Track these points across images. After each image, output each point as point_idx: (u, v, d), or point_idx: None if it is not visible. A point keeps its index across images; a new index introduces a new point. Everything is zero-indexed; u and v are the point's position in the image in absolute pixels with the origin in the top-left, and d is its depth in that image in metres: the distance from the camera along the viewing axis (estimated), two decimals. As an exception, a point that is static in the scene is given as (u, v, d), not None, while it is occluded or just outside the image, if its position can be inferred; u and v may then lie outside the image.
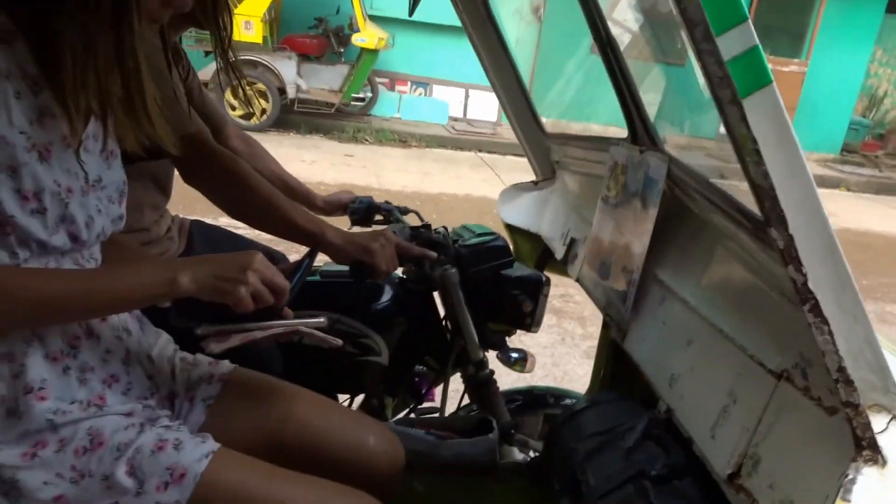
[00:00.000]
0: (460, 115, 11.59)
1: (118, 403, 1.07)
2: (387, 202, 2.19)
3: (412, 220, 2.15)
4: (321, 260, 1.67)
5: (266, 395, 1.27)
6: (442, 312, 1.99)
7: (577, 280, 1.71)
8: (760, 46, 0.57)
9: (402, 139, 9.85)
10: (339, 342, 1.26)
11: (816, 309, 0.63)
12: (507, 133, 11.01)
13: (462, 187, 7.69)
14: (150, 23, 1.04)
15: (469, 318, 1.81)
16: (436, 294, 1.94)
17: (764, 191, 0.59)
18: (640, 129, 1.43)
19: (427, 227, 1.79)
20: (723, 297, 1.05)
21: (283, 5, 10.40)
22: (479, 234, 1.91)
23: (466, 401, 1.95)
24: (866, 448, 0.70)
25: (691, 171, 1.17)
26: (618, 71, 1.45)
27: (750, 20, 0.56)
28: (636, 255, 1.29)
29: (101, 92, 0.98)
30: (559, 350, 4.05)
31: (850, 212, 9.04)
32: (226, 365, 1.30)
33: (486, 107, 11.67)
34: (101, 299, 1.00)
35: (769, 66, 0.58)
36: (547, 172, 2.26)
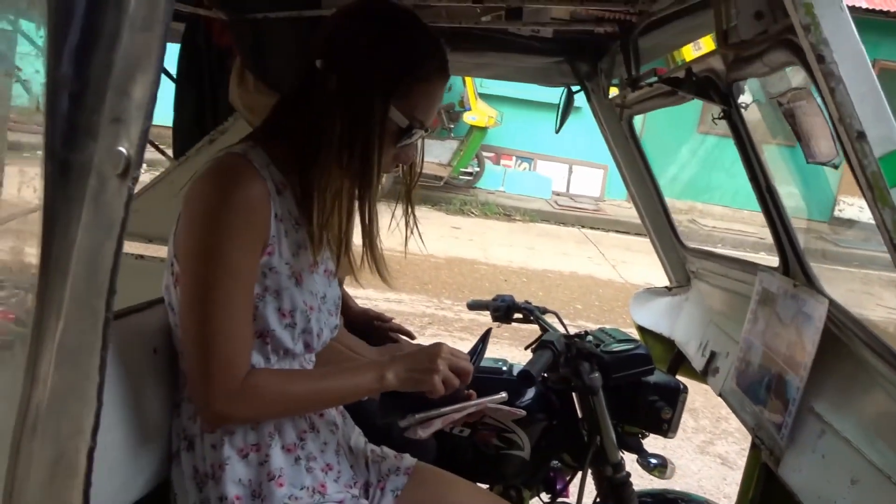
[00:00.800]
0: (563, 190, 11.76)
1: (334, 491, 1.26)
2: (527, 301, 2.34)
3: (550, 319, 2.29)
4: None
5: (445, 489, 1.43)
6: (579, 412, 2.11)
7: (720, 395, 1.79)
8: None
9: (507, 213, 10.09)
10: (523, 413, 1.42)
11: None
12: (610, 209, 11.08)
13: (568, 264, 7.79)
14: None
15: (609, 422, 1.91)
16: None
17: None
18: (794, 263, 1.53)
19: (580, 336, 1.92)
20: (888, 444, 1.13)
21: (399, 83, 10.99)
22: (620, 340, 2.02)
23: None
24: None
25: (852, 316, 1.27)
26: (772, 206, 1.56)
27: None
28: (793, 386, 1.38)
29: (340, 230, 1.19)
30: (671, 443, 4.01)
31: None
32: (408, 458, 1.47)
33: (588, 182, 11.81)
34: (332, 395, 1.23)
35: None
36: (681, 280, 2.36)
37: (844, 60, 0.67)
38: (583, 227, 10.23)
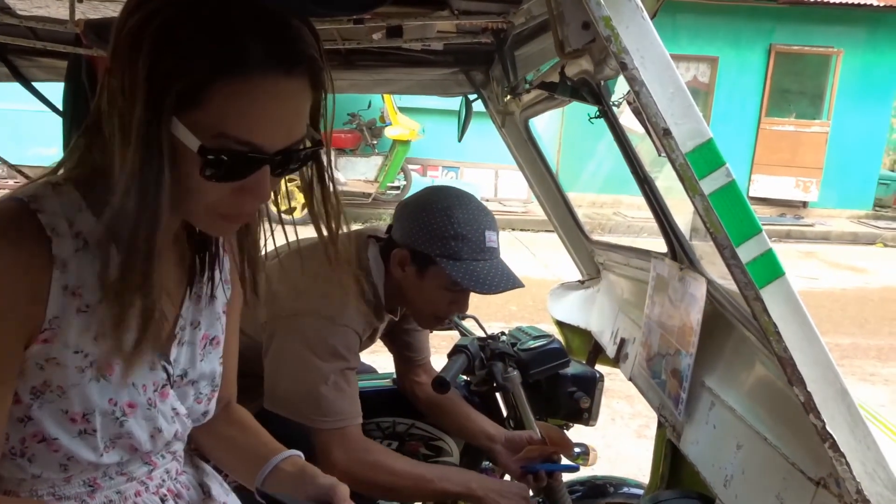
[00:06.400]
0: (491, 196, 11.92)
1: None
2: (446, 308, 2.39)
3: (469, 324, 2.35)
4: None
5: None
6: (504, 411, 2.17)
7: (630, 379, 1.88)
8: (773, 250, 0.76)
9: (438, 222, 10.15)
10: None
11: (834, 446, 0.80)
12: (539, 210, 11.29)
13: (500, 268, 7.88)
14: (226, 221, 0.90)
15: (532, 417, 1.97)
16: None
17: (785, 360, 0.77)
18: (678, 249, 1.62)
19: (494, 337, 1.98)
20: (764, 408, 1.21)
21: (319, 103, 11.01)
22: (535, 337, 2.09)
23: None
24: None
25: (726, 293, 1.35)
26: (653, 199, 1.65)
27: (764, 231, 0.76)
28: (685, 363, 1.46)
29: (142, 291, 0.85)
30: (610, 431, 4.14)
31: (887, 267, 9.02)
32: None
33: (515, 185, 12.01)
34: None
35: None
36: (592, 272, 2.45)
37: (648, 66, 0.73)
38: (513, 229, 10.39)
